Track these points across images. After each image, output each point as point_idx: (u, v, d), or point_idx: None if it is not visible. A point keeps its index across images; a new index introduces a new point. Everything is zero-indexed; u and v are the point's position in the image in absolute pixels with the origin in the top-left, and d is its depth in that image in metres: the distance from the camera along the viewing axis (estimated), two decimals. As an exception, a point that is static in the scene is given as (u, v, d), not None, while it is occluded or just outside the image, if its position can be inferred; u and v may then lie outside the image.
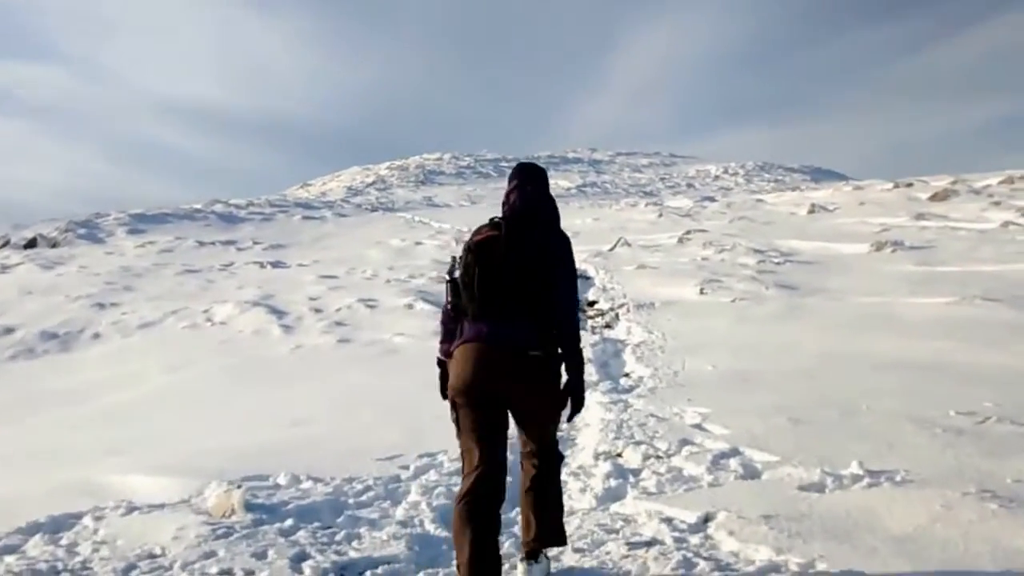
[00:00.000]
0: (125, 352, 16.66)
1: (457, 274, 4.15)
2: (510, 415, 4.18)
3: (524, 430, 4.25)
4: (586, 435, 7.73)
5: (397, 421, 8.67)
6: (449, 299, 4.24)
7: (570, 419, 4.20)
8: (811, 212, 29.14)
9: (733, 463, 6.18)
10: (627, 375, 10.56)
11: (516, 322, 4.03)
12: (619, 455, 6.79)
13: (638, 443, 6.95)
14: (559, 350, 4.12)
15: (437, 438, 7.51)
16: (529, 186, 4.28)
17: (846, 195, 32.54)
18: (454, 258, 4.24)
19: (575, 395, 4.14)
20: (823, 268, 19.65)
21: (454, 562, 4.07)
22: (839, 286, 17.15)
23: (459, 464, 4.47)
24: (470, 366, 4.01)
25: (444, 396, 4.27)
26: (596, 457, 6.80)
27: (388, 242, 31.10)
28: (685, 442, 6.86)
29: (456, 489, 4.53)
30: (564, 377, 4.17)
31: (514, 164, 4.58)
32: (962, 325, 12.67)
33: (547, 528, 4.27)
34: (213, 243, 32.28)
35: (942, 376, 9.06)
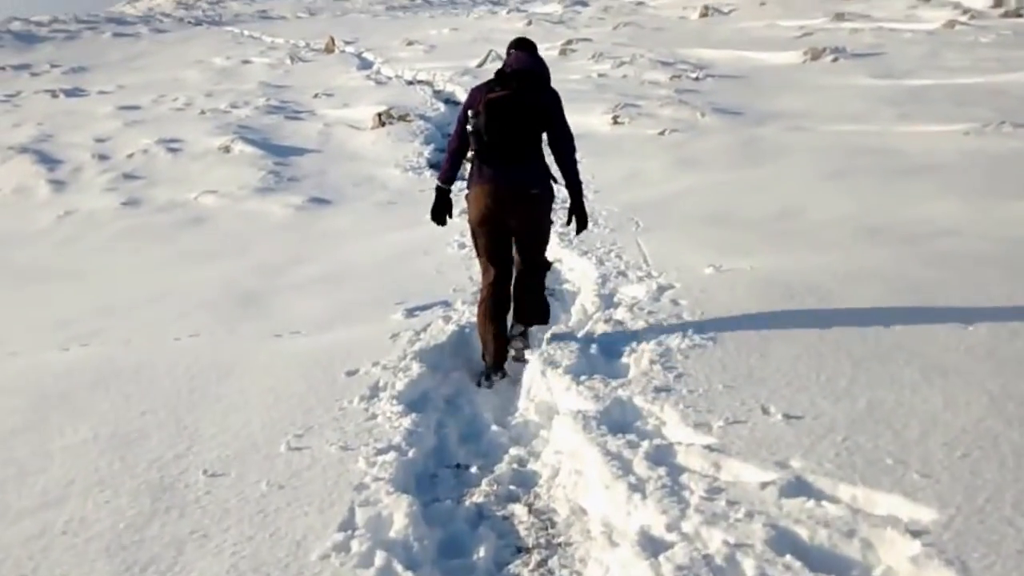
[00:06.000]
0: None
1: (480, 124, 4.49)
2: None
3: (521, 251, 4.82)
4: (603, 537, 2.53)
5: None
6: (455, 143, 4.73)
7: (578, 232, 5.00)
8: (704, 15, 24.36)
9: None
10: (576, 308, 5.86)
11: (520, 167, 4.59)
12: None
13: None
14: (552, 188, 4.71)
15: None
16: (527, 52, 4.75)
17: (738, -6, 27.77)
18: (467, 112, 4.59)
19: (579, 213, 4.79)
20: (755, 84, 15.03)
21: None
22: (795, 109, 12.56)
23: None
24: (484, 202, 4.62)
25: (434, 218, 4.90)
26: None
27: (211, 61, 25.41)
28: None
29: None
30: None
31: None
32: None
33: (530, 309, 4.90)
34: (3, 68, 25.94)
35: None
